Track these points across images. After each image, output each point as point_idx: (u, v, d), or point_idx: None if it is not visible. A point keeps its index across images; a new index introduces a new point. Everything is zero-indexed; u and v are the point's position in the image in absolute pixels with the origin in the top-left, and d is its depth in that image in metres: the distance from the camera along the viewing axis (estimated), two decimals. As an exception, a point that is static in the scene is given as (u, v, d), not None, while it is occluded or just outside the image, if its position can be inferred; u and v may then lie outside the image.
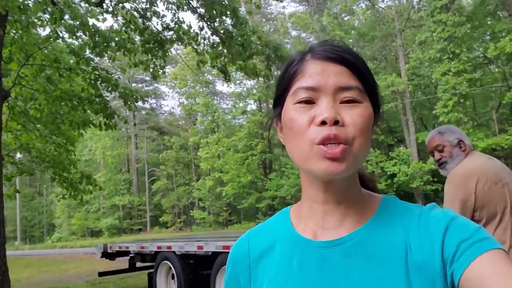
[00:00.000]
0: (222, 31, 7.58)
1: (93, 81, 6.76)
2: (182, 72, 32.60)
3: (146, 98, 42.14)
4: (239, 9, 7.90)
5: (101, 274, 6.66)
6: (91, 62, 6.62)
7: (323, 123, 0.59)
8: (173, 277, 5.24)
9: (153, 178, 39.46)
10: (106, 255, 6.61)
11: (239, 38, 7.34)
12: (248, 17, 8.73)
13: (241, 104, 31.99)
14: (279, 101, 0.68)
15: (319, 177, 0.62)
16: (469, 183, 1.76)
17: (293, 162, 0.65)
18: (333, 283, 0.62)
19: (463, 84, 20.90)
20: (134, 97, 6.86)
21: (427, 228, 0.61)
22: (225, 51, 7.94)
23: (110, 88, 6.67)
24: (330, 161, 0.58)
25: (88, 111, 7.05)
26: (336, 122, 0.59)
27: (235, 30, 7.45)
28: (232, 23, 7.34)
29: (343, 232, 0.65)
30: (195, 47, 8.13)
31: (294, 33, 31.52)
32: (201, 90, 34.45)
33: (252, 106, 32.58)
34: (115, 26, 7.60)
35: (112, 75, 7.03)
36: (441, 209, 0.64)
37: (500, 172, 1.79)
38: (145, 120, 40.21)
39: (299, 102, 0.62)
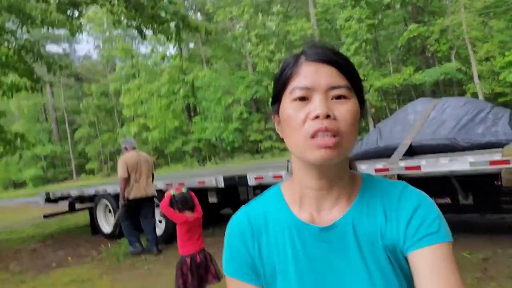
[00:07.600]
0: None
1: (16, 50, 7.49)
2: (98, 15, 31.22)
3: (59, 42, 39.79)
4: None
5: (45, 216, 7.93)
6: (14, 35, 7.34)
7: (317, 117, 0.67)
8: (109, 211, 6.79)
9: (74, 126, 38.69)
10: (49, 200, 7.89)
11: (150, 9, 8.33)
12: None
13: (160, 49, 31.82)
14: (276, 99, 0.76)
15: (316, 164, 0.69)
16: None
17: (292, 152, 0.73)
18: (334, 262, 0.72)
19: (363, 29, 22.95)
20: (59, 65, 7.76)
21: (398, 214, 0.72)
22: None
23: (34, 58, 7.50)
24: (324, 149, 0.66)
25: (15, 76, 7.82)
26: (327, 116, 0.66)
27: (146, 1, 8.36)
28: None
29: (337, 213, 0.74)
30: (110, 8, 8.88)
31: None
32: (118, 33, 33.27)
33: (171, 51, 32.54)
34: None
35: (37, 44, 7.76)
36: (412, 192, 0.74)
37: (137, 159, 5.33)
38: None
39: (296, 100, 0.69)
